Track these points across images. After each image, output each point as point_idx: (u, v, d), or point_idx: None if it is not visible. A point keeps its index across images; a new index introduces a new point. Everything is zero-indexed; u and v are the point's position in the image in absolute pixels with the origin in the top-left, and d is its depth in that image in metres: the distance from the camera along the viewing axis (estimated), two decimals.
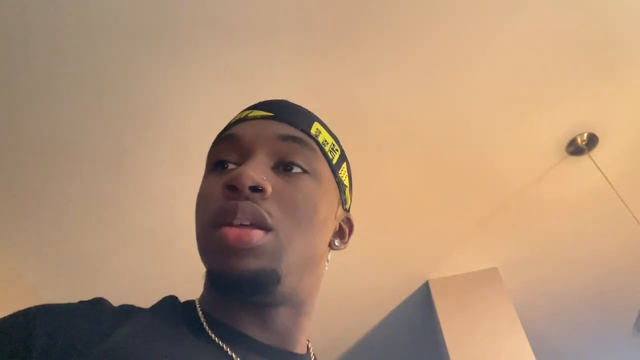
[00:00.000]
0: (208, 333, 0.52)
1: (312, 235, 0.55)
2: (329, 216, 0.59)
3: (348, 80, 1.70)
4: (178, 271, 2.06)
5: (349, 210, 0.68)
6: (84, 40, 1.52)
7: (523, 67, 1.71)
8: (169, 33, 1.53)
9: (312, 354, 0.64)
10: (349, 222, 0.66)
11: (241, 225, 0.49)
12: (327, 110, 1.74)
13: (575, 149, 1.97)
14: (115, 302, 0.53)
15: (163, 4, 1.46)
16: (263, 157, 0.55)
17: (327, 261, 0.63)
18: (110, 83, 1.63)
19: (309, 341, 0.64)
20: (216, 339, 0.51)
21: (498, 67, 1.70)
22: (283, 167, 0.56)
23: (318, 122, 0.63)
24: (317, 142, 0.60)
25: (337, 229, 0.64)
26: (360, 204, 2.06)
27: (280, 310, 0.55)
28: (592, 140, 1.95)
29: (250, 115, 0.61)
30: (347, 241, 0.66)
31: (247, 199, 0.50)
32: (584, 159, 2.01)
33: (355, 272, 2.48)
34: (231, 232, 0.49)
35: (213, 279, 0.52)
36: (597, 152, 1.98)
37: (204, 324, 0.53)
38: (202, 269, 0.54)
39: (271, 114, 0.60)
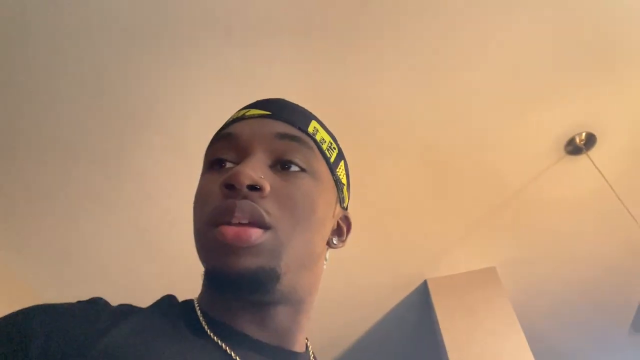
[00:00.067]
0: (207, 332, 0.52)
1: (310, 233, 0.55)
2: (327, 214, 0.60)
3: (348, 80, 1.70)
4: (177, 271, 2.06)
5: (346, 209, 0.68)
6: (84, 40, 1.51)
7: (522, 67, 1.71)
8: (169, 33, 1.52)
9: (311, 353, 0.64)
10: (346, 220, 0.66)
11: (239, 224, 0.49)
12: (327, 110, 1.74)
13: (574, 148, 1.97)
14: (113, 301, 0.53)
15: (163, 4, 1.45)
16: (261, 156, 0.55)
17: (326, 259, 0.64)
18: (110, 83, 1.63)
19: (307, 339, 0.64)
20: (215, 337, 0.51)
21: (497, 67, 1.71)
22: (281, 165, 0.56)
23: (315, 120, 0.64)
24: (315, 141, 0.60)
25: (335, 227, 0.64)
26: (359, 203, 2.07)
27: (279, 308, 0.55)
28: (591, 140, 1.95)
29: (247, 114, 0.61)
30: (345, 239, 0.66)
31: (245, 197, 0.51)
32: (582, 159, 2.02)
33: (354, 271, 2.48)
34: (230, 231, 0.49)
35: (212, 278, 0.53)
36: (595, 152, 1.99)
37: (203, 323, 0.53)
38: (200, 268, 0.54)
39: (268, 113, 0.60)
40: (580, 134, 1.93)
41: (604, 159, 2.00)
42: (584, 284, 2.73)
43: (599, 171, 2.00)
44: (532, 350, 2.20)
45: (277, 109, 0.61)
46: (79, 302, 0.51)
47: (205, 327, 0.52)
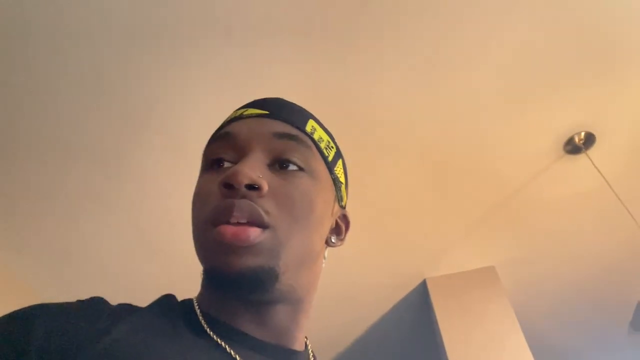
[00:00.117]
0: (206, 331, 0.52)
1: (309, 232, 0.56)
2: (325, 213, 0.60)
3: (348, 80, 1.70)
4: (176, 270, 2.06)
5: (345, 207, 0.68)
6: (84, 40, 1.51)
7: (521, 66, 1.71)
8: (169, 33, 1.52)
9: (310, 351, 0.64)
10: (345, 218, 0.67)
11: (238, 224, 0.49)
12: (327, 110, 1.75)
13: (573, 147, 1.97)
14: (113, 301, 0.53)
15: (163, 4, 1.45)
16: (259, 155, 0.55)
17: (324, 258, 0.64)
18: (110, 83, 1.63)
19: (307, 338, 0.65)
20: (214, 336, 0.51)
21: (497, 67, 1.71)
22: (279, 164, 0.56)
23: (313, 119, 0.64)
24: (313, 140, 0.60)
25: (334, 225, 0.64)
26: (359, 203, 2.08)
27: (278, 307, 0.55)
28: (590, 139, 1.95)
29: (245, 113, 0.61)
30: (344, 238, 0.66)
31: (243, 197, 0.51)
32: (581, 158, 2.02)
33: (353, 270, 2.49)
34: (228, 230, 0.49)
35: (211, 277, 0.53)
36: (594, 151, 1.99)
37: (202, 322, 0.53)
38: (200, 268, 0.54)
39: (266, 112, 0.60)
40: (579, 134, 1.94)
41: (603, 159, 2.01)
42: (582, 283, 2.73)
43: (598, 170, 2.00)
44: (531, 349, 2.21)
45: (275, 108, 0.61)
46: (78, 301, 0.50)
47: (205, 326, 0.52)
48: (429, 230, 2.35)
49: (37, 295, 2.30)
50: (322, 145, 0.62)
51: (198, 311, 0.54)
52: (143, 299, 0.59)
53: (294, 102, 0.65)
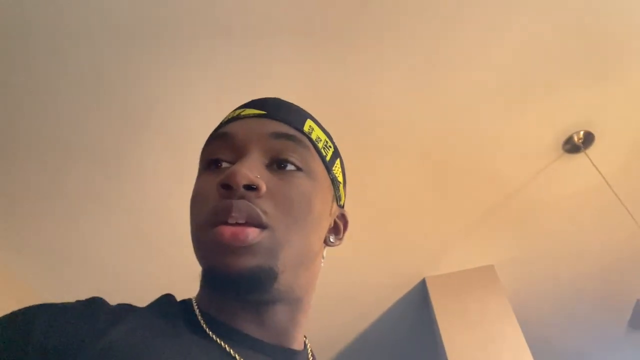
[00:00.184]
0: (205, 331, 0.52)
1: (307, 232, 0.56)
2: (323, 213, 0.60)
3: (348, 80, 1.70)
4: (176, 270, 2.06)
5: (343, 207, 0.68)
6: (84, 40, 1.51)
7: (520, 66, 1.72)
8: (169, 33, 1.52)
9: (309, 351, 0.64)
10: (343, 218, 0.67)
11: (236, 224, 0.49)
12: (327, 110, 1.75)
13: (572, 146, 1.98)
14: (113, 301, 0.53)
15: (163, 4, 1.45)
16: (257, 155, 0.55)
17: (323, 257, 0.64)
18: (110, 83, 1.63)
19: (306, 338, 0.65)
20: (214, 336, 0.51)
21: (496, 67, 1.71)
22: (277, 165, 0.56)
23: (311, 119, 0.63)
24: (311, 140, 0.60)
25: (332, 225, 0.64)
26: (358, 202, 2.08)
27: (277, 307, 0.56)
28: (589, 138, 1.96)
29: (242, 113, 0.61)
30: (342, 237, 0.66)
31: (241, 197, 0.51)
32: (580, 157, 2.03)
33: (353, 270, 2.49)
34: (227, 231, 0.49)
35: (209, 278, 0.53)
36: (593, 150, 1.99)
37: (201, 322, 0.53)
38: (199, 268, 0.54)
39: (264, 112, 0.60)
40: (578, 133, 1.94)
41: (602, 157, 2.01)
42: (581, 282, 2.74)
43: (597, 169, 2.01)
44: (529, 347, 2.22)
45: (273, 108, 0.61)
46: (77, 301, 0.50)
47: (204, 326, 0.53)
48: (429, 229, 2.35)
49: (37, 295, 2.30)
50: (320, 145, 0.62)
51: (197, 311, 0.55)
52: (143, 299, 0.59)
53: (294, 102, 0.65)
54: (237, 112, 0.62)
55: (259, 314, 0.55)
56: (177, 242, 2.15)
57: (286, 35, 1.56)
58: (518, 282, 2.67)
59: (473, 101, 1.81)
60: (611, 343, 3.23)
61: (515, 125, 1.91)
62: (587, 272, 2.67)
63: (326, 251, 0.65)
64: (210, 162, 0.57)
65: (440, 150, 1.97)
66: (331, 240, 0.64)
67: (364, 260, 2.45)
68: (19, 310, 0.46)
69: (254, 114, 0.60)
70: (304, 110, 0.64)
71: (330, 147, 0.64)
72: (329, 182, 0.62)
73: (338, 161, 0.66)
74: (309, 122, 0.62)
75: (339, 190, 0.65)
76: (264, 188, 0.52)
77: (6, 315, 0.46)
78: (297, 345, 0.60)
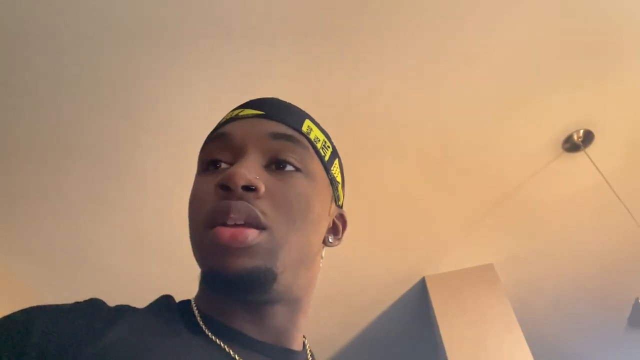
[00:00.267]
0: (205, 331, 0.52)
1: (306, 232, 0.55)
2: (322, 213, 0.59)
3: (348, 80, 1.70)
4: (176, 271, 2.06)
5: (342, 207, 0.68)
6: (84, 40, 1.51)
7: (520, 65, 1.72)
8: (169, 33, 1.52)
9: (308, 351, 0.64)
10: (342, 218, 0.67)
11: (235, 225, 0.49)
12: (327, 110, 1.76)
13: (571, 145, 1.98)
14: (113, 302, 0.53)
15: (163, 4, 1.45)
16: (255, 156, 0.55)
17: (322, 258, 0.64)
18: (110, 83, 1.62)
19: (305, 337, 0.65)
20: (213, 337, 0.51)
21: (495, 66, 1.71)
22: (275, 165, 0.56)
23: (309, 119, 0.63)
24: (309, 140, 0.60)
25: (331, 225, 0.64)
26: (358, 201, 2.08)
27: (277, 308, 0.55)
28: (588, 137, 1.96)
29: (241, 114, 0.60)
30: (341, 237, 0.66)
31: (240, 198, 0.51)
32: (579, 156, 2.03)
33: (353, 269, 2.50)
34: (225, 232, 0.49)
35: (208, 279, 0.53)
36: (593, 149, 1.99)
37: (200, 322, 0.53)
38: (198, 269, 0.55)
39: (262, 113, 0.60)
40: (577, 131, 1.94)
41: (601, 156, 2.01)
42: (581, 281, 2.74)
43: (597, 168, 2.01)
44: (529, 345, 2.22)
45: (271, 109, 0.61)
46: (76, 303, 0.50)
47: (203, 327, 0.53)
48: (428, 228, 2.35)
49: (37, 295, 2.30)
50: (319, 145, 0.62)
51: (196, 312, 0.54)
52: (142, 299, 0.59)
53: (293, 102, 0.65)
54: (235, 112, 0.62)
55: (258, 315, 0.55)
56: (177, 242, 2.14)
57: (286, 35, 1.56)
58: (517, 281, 2.67)
59: (473, 101, 1.81)
60: (610, 342, 3.23)
61: (514, 124, 1.91)
62: (586, 271, 2.68)
63: (325, 251, 0.65)
64: (208, 163, 0.57)
65: (440, 150, 1.97)
66: (330, 240, 0.64)
67: (363, 259, 2.45)
68: (18, 311, 0.46)
69: (252, 114, 0.60)
70: (302, 111, 0.64)
71: (328, 147, 0.64)
72: (327, 182, 0.62)
73: (337, 161, 0.66)
74: (307, 122, 0.62)
75: (337, 190, 0.65)
76: (262, 189, 0.52)
77: (5, 317, 0.46)
78: (297, 346, 0.60)
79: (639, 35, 1.66)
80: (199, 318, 0.54)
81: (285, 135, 0.57)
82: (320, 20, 1.53)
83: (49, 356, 0.42)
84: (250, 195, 0.51)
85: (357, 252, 2.38)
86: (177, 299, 0.58)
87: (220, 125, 0.62)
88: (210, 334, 0.52)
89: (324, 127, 0.66)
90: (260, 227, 0.51)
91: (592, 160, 2.00)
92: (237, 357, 0.51)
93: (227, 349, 0.51)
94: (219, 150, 0.57)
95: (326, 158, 0.62)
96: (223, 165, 0.56)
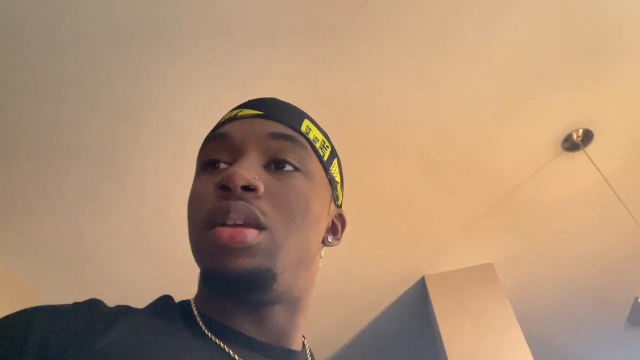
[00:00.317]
0: (204, 332, 0.52)
1: (305, 232, 0.55)
2: (321, 213, 0.59)
3: (348, 80, 1.70)
4: (176, 271, 2.06)
5: (341, 207, 0.68)
6: (84, 40, 1.51)
7: (519, 65, 1.72)
8: (169, 33, 1.52)
9: (308, 350, 0.64)
10: (341, 218, 0.67)
11: (234, 225, 0.49)
12: (327, 110, 1.76)
13: (571, 145, 1.98)
14: (113, 302, 0.53)
15: (163, 4, 1.45)
16: (254, 156, 0.55)
17: (321, 258, 0.64)
18: (110, 83, 1.63)
19: (304, 337, 0.65)
20: (212, 337, 0.51)
21: (495, 66, 1.71)
22: (275, 165, 0.56)
23: (308, 119, 0.63)
24: (308, 140, 0.60)
25: (330, 225, 0.64)
26: (358, 201, 2.09)
27: (276, 308, 0.55)
28: (588, 136, 1.96)
29: (240, 114, 0.60)
30: (340, 237, 0.66)
31: (239, 198, 0.51)
32: (579, 155, 2.03)
33: (352, 268, 2.50)
34: (225, 232, 0.49)
35: (208, 279, 0.53)
36: (592, 148, 2.00)
37: (200, 323, 0.53)
38: (198, 269, 0.55)
39: (261, 113, 0.60)
40: (577, 131, 1.95)
41: (601, 155, 2.01)
42: (581, 280, 2.75)
43: (596, 167, 2.01)
44: (529, 345, 2.22)
45: (270, 109, 0.61)
46: (75, 303, 0.50)
47: (203, 327, 0.53)
48: (428, 228, 2.35)
49: (37, 295, 2.30)
50: (318, 145, 0.62)
51: (196, 312, 0.54)
52: (142, 299, 0.59)
53: (293, 102, 0.65)
54: (234, 112, 0.62)
55: (258, 315, 0.55)
56: (177, 242, 2.14)
57: (286, 35, 1.56)
58: (517, 280, 2.68)
59: (473, 100, 1.81)
60: (610, 341, 3.24)
61: (514, 124, 1.91)
62: (586, 270, 2.68)
63: (325, 251, 0.65)
64: (207, 163, 0.57)
65: (439, 149, 1.97)
66: (329, 240, 0.64)
67: (363, 258, 2.45)
68: (17, 312, 0.46)
69: (251, 114, 0.60)
70: (301, 111, 0.64)
71: (327, 147, 0.64)
72: (326, 182, 0.62)
73: (335, 161, 0.66)
74: (306, 122, 0.62)
75: (336, 190, 0.65)
76: (261, 189, 0.52)
77: (5, 317, 0.46)
78: (296, 346, 0.60)
79: (639, 35, 1.66)
80: (198, 318, 0.53)
81: (284, 135, 0.57)
82: (320, 20, 1.53)
83: (48, 356, 0.42)
84: (249, 195, 0.51)
85: (356, 252, 2.38)
86: (177, 299, 0.58)
87: (219, 125, 0.62)
88: (209, 334, 0.52)
89: (324, 127, 0.66)
90: (260, 227, 0.50)
91: (591, 160, 2.00)
92: (236, 357, 0.51)
93: (226, 349, 0.51)
94: (218, 150, 0.57)
95: (325, 158, 0.62)
96: (222, 165, 0.56)
